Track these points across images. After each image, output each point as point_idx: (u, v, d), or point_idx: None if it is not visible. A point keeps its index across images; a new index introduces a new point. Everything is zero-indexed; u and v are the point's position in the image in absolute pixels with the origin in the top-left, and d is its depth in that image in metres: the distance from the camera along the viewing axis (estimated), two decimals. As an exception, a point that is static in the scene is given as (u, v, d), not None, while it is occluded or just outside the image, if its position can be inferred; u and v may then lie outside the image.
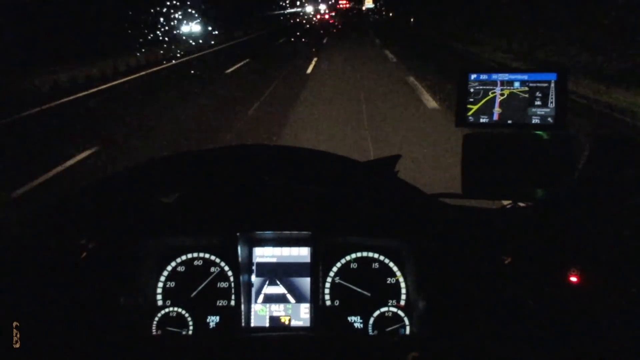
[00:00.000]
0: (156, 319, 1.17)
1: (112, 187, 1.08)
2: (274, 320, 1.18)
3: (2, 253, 1.01)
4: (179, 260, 1.21)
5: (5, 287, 0.95)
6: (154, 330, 1.17)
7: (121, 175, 1.10)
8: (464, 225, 1.03)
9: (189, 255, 1.21)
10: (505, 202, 1.36)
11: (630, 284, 0.92)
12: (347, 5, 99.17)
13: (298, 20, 62.49)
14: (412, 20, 41.18)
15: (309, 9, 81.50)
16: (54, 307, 0.97)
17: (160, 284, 1.20)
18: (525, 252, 1.01)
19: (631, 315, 0.90)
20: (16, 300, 0.94)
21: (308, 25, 48.02)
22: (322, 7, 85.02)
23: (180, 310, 1.18)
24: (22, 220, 1.15)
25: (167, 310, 1.18)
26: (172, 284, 1.20)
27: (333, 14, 75.69)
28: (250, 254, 1.20)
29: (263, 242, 1.21)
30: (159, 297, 1.19)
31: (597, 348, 0.90)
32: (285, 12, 71.22)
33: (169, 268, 1.21)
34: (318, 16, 71.52)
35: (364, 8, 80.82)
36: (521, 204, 1.29)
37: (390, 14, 56.58)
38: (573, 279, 0.97)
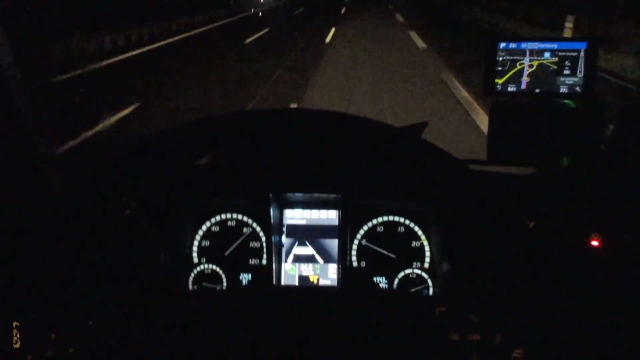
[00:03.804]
0: (192, 275, 1.25)
1: (151, 149, 1.13)
2: (303, 279, 1.23)
3: (47, 211, 1.08)
4: (213, 220, 1.27)
5: (48, 244, 1.01)
6: (190, 286, 1.24)
7: (159, 138, 1.15)
8: (488, 190, 1.06)
9: (223, 216, 1.27)
10: (529, 170, 1.38)
11: None
12: None
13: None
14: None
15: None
16: (98, 261, 1.04)
17: (196, 242, 1.27)
18: (548, 216, 1.04)
19: None
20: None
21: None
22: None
23: (214, 267, 1.25)
24: (66, 180, 1.21)
25: (202, 267, 1.25)
26: (206, 243, 1.27)
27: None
28: (281, 216, 1.26)
29: (293, 204, 1.26)
30: (194, 254, 1.26)
31: (617, 311, 0.93)
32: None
33: (204, 227, 1.27)
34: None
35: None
36: (545, 172, 1.31)
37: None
38: (594, 243, 0.99)
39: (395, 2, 31.85)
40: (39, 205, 1.17)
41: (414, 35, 15.17)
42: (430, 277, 1.21)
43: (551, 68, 1.21)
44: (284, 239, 1.25)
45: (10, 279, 0.98)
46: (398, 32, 16.22)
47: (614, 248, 0.98)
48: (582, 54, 1.19)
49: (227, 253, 1.26)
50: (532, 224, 1.03)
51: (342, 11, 25.55)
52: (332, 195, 1.23)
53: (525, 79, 1.23)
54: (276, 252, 1.23)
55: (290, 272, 1.24)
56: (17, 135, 1.30)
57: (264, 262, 1.24)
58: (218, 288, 1.23)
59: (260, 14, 25.79)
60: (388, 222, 1.25)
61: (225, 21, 20.86)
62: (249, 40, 14.67)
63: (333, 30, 16.50)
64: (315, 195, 1.24)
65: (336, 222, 1.25)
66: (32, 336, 0.90)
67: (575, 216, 1.04)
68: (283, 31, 16.88)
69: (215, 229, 1.28)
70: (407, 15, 21.91)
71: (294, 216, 1.26)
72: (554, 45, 1.21)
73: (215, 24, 19.72)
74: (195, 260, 1.26)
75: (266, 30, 16.98)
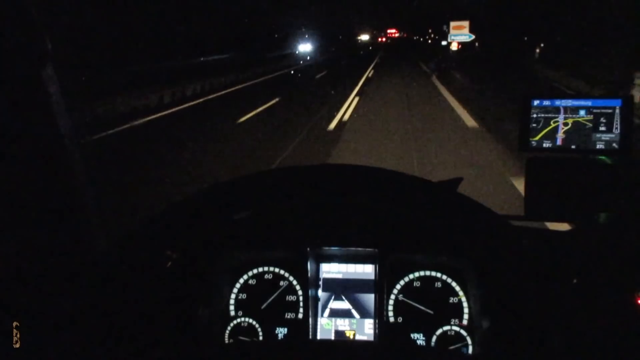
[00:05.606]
0: (229, 328, 1.25)
1: (192, 205, 1.17)
2: (339, 334, 1.22)
3: (91, 268, 1.11)
4: (250, 273, 1.29)
5: (97, 297, 1.04)
6: (226, 339, 1.24)
7: (199, 194, 1.19)
8: (528, 245, 1.05)
9: (260, 269, 1.29)
10: (567, 226, 1.36)
11: None
12: (396, 35, 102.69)
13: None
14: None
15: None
16: (138, 314, 1.06)
17: (233, 296, 1.28)
18: (592, 273, 1.02)
19: None
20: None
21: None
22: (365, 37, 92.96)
23: (251, 320, 1.25)
24: (111, 237, 1.25)
25: (239, 320, 1.25)
26: (243, 296, 1.28)
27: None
28: (317, 269, 1.26)
29: (330, 258, 1.27)
30: (231, 307, 1.27)
31: None
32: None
33: (242, 281, 1.28)
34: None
35: (453, 45, 31.56)
36: (584, 228, 1.29)
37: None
38: None
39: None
40: (82, 258, 1.21)
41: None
42: (469, 334, 1.18)
43: (587, 126, 1.23)
44: (320, 293, 1.25)
45: (53, 328, 1.00)
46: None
47: None
48: (617, 110, 1.20)
49: (263, 306, 1.26)
50: (575, 281, 1.01)
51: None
52: (369, 250, 1.24)
53: (560, 136, 1.25)
54: (312, 306, 1.23)
55: (326, 327, 1.23)
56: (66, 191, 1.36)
57: (300, 316, 1.23)
58: (254, 342, 1.23)
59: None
60: (425, 277, 1.24)
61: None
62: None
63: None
64: (352, 249, 1.25)
65: (373, 277, 1.24)
66: None
67: (620, 273, 1.02)
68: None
69: (252, 282, 1.29)
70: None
71: (331, 270, 1.27)
72: (589, 103, 1.22)
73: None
74: (232, 313, 1.27)
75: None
